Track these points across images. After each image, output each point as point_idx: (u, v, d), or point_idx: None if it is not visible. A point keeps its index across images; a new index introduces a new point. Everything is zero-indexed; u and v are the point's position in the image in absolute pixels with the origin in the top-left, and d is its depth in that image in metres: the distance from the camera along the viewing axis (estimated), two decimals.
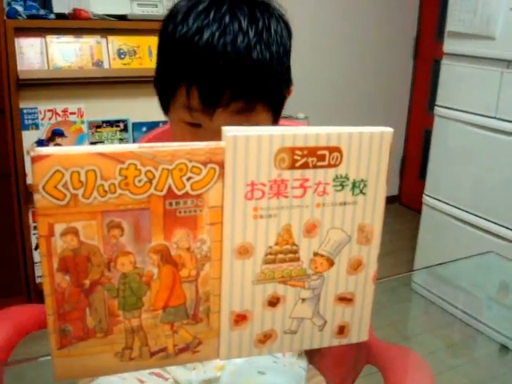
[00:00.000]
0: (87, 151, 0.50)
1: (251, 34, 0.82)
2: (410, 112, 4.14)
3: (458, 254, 2.35)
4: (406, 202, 4.17)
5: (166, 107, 0.91)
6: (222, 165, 0.54)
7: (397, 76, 4.01)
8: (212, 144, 0.53)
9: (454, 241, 2.65)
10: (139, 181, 0.52)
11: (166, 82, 0.88)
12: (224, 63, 0.81)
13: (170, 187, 0.53)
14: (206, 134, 0.86)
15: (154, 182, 0.53)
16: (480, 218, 2.53)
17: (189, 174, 0.53)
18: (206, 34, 0.81)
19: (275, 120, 0.94)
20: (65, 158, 0.50)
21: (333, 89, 3.75)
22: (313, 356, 1.08)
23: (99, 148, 0.51)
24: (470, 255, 1.79)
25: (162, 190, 0.53)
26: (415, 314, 2.99)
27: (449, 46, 2.62)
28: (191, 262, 0.57)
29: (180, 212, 0.55)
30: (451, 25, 2.57)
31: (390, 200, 4.04)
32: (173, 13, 0.86)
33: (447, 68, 2.65)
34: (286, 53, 0.89)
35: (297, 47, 3.28)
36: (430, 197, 2.79)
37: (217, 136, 0.75)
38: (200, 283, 0.59)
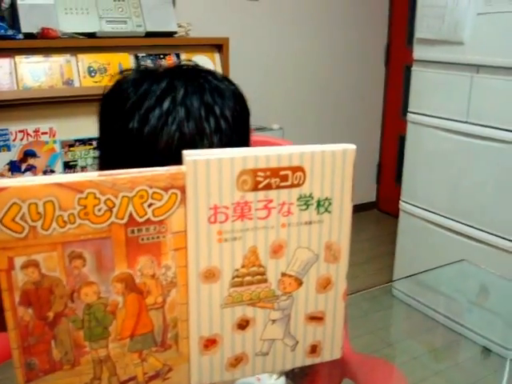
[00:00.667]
0: (44, 182, 0.49)
1: (205, 115, 0.76)
2: (384, 118, 4.17)
3: (435, 258, 2.37)
4: (383, 207, 4.19)
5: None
6: (183, 189, 0.53)
7: (370, 83, 4.03)
8: (173, 169, 0.53)
9: (431, 245, 2.67)
10: (99, 210, 0.51)
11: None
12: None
13: (131, 215, 0.52)
14: None
15: (115, 210, 0.52)
16: (456, 221, 2.55)
17: (150, 201, 0.52)
18: (151, 126, 0.74)
19: None
20: (22, 189, 0.49)
21: (307, 98, 3.76)
22: (293, 376, 1.08)
23: (56, 178, 0.50)
24: (448, 260, 1.80)
25: (122, 218, 0.52)
26: (397, 320, 3.00)
27: (418, 52, 2.64)
28: (157, 288, 0.56)
29: (142, 239, 0.54)
30: (420, 31, 2.60)
31: (367, 206, 4.06)
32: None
33: (418, 74, 2.67)
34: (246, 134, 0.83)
35: (269, 58, 3.31)
36: (407, 203, 2.80)
37: None
38: (167, 310, 0.58)
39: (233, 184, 0.54)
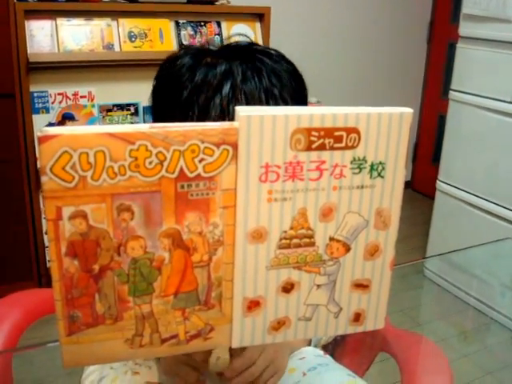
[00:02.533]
0: (96, 131, 0.49)
1: (269, 84, 0.77)
2: (423, 97, 4.10)
3: (471, 240, 2.33)
4: (418, 187, 4.14)
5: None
6: (235, 146, 0.52)
7: (411, 60, 3.96)
8: (225, 124, 0.51)
9: (467, 227, 2.63)
10: (150, 162, 0.50)
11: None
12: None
13: (181, 169, 0.51)
14: None
15: (166, 163, 0.51)
16: (494, 204, 2.50)
17: (201, 156, 0.51)
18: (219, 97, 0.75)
19: None
20: (73, 138, 0.48)
21: (346, 73, 3.71)
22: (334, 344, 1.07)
23: (109, 128, 0.49)
24: (483, 242, 1.77)
25: (173, 172, 0.51)
26: (428, 300, 2.98)
27: (464, 29, 2.57)
28: (203, 246, 0.55)
29: (192, 195, 0.53)
30: (467, 7, 2.53)
31: None
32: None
33: (462, 52, 2.61)
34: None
35: (310, 31, 3.28)
36: (444, 182, 2.76)
37: None
38: (212, 268, 0.57)
39: (286, 142, 0.53)
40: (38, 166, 2.37)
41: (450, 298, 2.73)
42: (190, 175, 0.52)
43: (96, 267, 0.54)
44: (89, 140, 0.48)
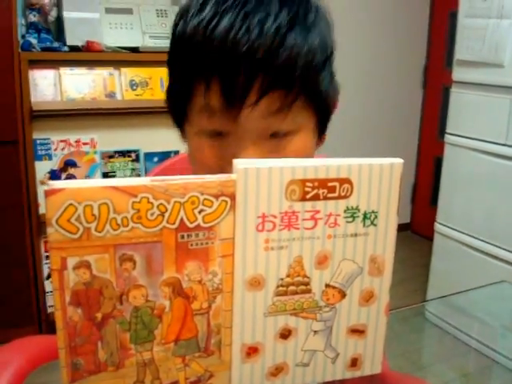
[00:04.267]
0: (100, 185, 0.51)
1: (283, 17, 0.67)
2: (420, 139, 4.15)
3: (471, 281, 2.33)
4: (417, 229, 4.15)
5: (180, 122, 0.77)
6: (233, 197, 0.54)
7: (407, 104, 4.02)
8: (223, 177, 0.54)
9: (466, 269, 2.63)
10: (152, 214, 0.52)
11: (179, 88, 0.73)
12: (248, 50, 0.65)
13: (182, 220, 0.53)
14: (228, 143, 0.71)
15: (167, 214, 0.53)
16: (493, 245, 2.51)
17: (201, 207, 0.53)
18: (226, 19, 0.66)
19: (319, 138, 0.80)
20: (78, 191, 0.50)
21: (343, 118, 3.75)
22: None
23: (112, 182, 0.51)
24: (483, 284, 1.78)
25: (174, 223, 0.53)
26: (429, 343, 2.96)
27: (458, 74, 2.63)
28: (203, 294, 0.57)
29: (192, 244, 0.55)
30: (460, 53, 2.59)
31: (401, 227, 3.99)
32: (183, 9, 0.72)
33: (457, 96, 2.66)
34: (327, 47, 0.73)
35: None
36: (442, 224, 2.77)
37: (242, 145, 0.69)
38: (212, 316, 0.58)
39: (281, 193, 0.55)
40: (41, 212, 2.40)
41: (451, 340, 2.71)
42: (190, 226, 0.54)
43: (99, 315, 0.55)
44: (93, 193, 0.51)
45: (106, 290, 0.54)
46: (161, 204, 0.52)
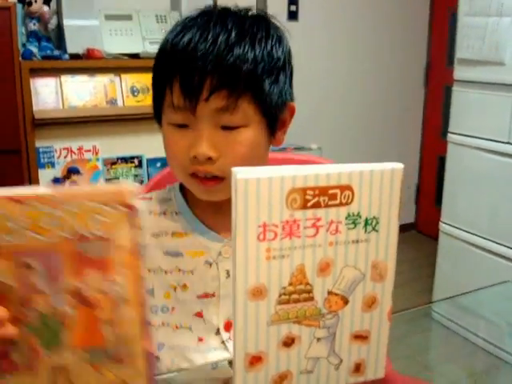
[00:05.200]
0: None
1: (233, 34, 0.84)
2: (423, 139, 4.14)
3: (477, 280, 2.32)
4: (422, 229, 4.14)
5: (159, 118, 0.94)
6: (128, 206, 0.55)
7: (409, 104, 4.01)
8: (118, 187, 0.55)
9: (472, 268, 2.62)
10: (48, 223, 0.54)
11: (155, 88, 0.91)
12: (203, 56, 0.82)
13: (77, 229, 0.55)
14: (189, 134, 0.86)
15: (63, 224, 0.54)
16: (498, 243, 2.50)
17: (97, 217, 0.54)
18: (189, 35, 0.84)
19: (272, 134, 0.92)
20: None
21: (346, 119, 3.76)
22: None
23: (7, 192, 0.53)
24: (488, 283, 1.77)
25: (71, 233, 0.55)
26: (436, 343, 2.94)
27: (459, 72, 2.62)
28: (106, 303, 0.58)
29: (89, 253, 0.56)
30: (460, 52, 2.58)
31: (406, 227, 4.01)
32: (167, 32, 0.91)
33: (458, 95, 2.65)
34: (273, 60, 0.88)
35: (310, 77, 3.31)
36: (447, 224, 2.76)
37: (198, 135, 0.85)
38: (117, 325, 0.59)
39: (282, 202, 0.55)
40: None
41: (458, 340, 2.70)
42: (88, 235, 0.55)
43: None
44: None
45: (9, 295, 0.56)
46: (56, 214, 0.53)
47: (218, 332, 0.95)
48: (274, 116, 0.90)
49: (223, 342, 0.94)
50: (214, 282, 0.94)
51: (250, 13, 0.92)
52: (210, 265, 0.94)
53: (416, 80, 4.02)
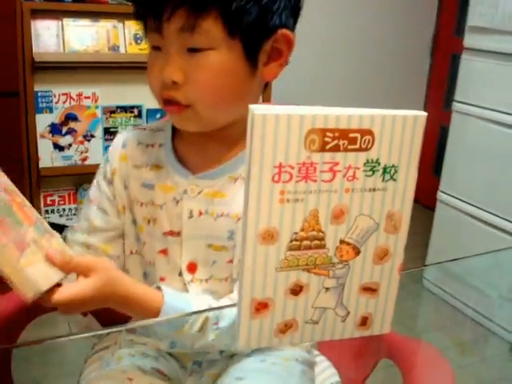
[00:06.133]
0: None
1: None
2: (425, 108, 4.10)
3: (471, 251, 2.31)
4: (418, 198, 4.12)
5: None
6: None
7: (413, 72, 3.97)
8: None
9: (468, 239, 2.62)
10: None
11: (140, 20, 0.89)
12: None
13: None
14: (162, 58, 0.84)
15: None
16: (496, 216, 2.49)
17: None
18: None
19: (253, 62, 0.84)
20: None
21: (348, 82, 3.71)
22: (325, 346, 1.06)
23: None
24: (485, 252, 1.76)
25: None
26: (425, 311, 2.97)
27: (469, 40, 2.57)
28: (14, 190, 0.77)
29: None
30: (472, 19, 2.53)
31: None
32: None
33: (467, 63, 2.61)
34: None
35: (312, 40, 3.28)
36: (445, 193, 2.75)
37: (167, 57, 0.82)
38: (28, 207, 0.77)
39: (300, 143, 0.53)
40: (41, 166, 2.37)
41: (448, 308, 2.72)
42: None
43: None
44: None
45: None
46: None
47: (180, 273, 0.94)
48: (252, 40, 0.83)
49: (185, 285, 0.93)
50: (179, 220, 0.93)
51: None
52: (177, 202, 0.93)
53: (422, 48, 3.96)
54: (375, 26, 3.69)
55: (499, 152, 2.46)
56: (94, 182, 1.01)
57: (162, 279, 0.95)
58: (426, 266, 3.05)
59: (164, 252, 0.94)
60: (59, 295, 0.73)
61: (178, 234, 0.93)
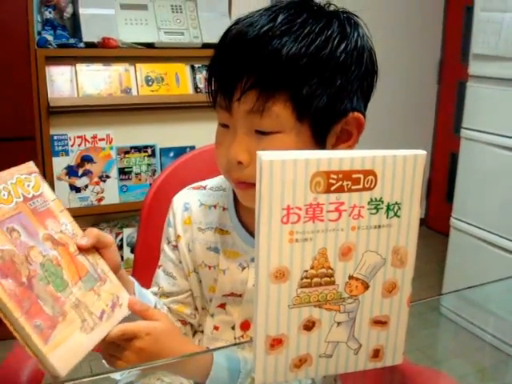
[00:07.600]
0: None
1: (278, 26, 0.76)
2: (435, 135, 4.12)
3: (487, 276, 2.31)
4: (432, 225, 4.13)
5: None
6: (36, 172, 0.73)
7: (422, 99, 4.00)
8: (24, 165, 0.72)
9: (482, 264, 2.61)
10: (3, 195, 0.67)
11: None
12: (240, 51, 0.78)
13: (23, 193, 0.69)
14: (229, 134, 0.83)
15: (11, 192, 0.68)
16: (509, 240, 2.49)
17: (26, 183, 0.70)
18: (239, 27, 0.80)
19: (322, 146, 0.82)
20: None
21: None
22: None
23: None
24: (498, 278, 1.76)
25: (19, 197, 0.69)
26: (444, 338, 2.93)
27: (474, 68, 2.61)
28: (68, 239, 0.73)
29: (39, 208, 0.71)
30: (476, 47, 2.57)
31: None
32: None
33: (473, 90, 2.64)
34: (329, 59, 0.79)
35: None
36: (458, 220, 2.76)
37: (233, 140, 0.81)
38: (85, 252, 0.74)
39: (306, 185, 0.56)
40: None
41: (466, 335, 2.69)
42: (29, 196, 0.70)
43: (24, 279, 0.64)
44: None
45: (15, 258, 0.64)
46: (4, 187, 0.67)
47: (233, 327, 0.96)
48: (321, 124, 0.81)
49: (235, 338, 0.95)
50: (243, 286, 0.94)
51: (327, 7, 0.84)
52: (243, 269, 0.94)
53: (429, 76, 4.00)
54: (381, 55, 3.73)
55: (508, 176, 2.48)
56: (161, 246, 1.03)
57: (215, 328, 0.98)
58: (441, 294, 3.03)
59: (222, 306, 0.97)
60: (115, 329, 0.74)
61: (240, 295, 0.94)
